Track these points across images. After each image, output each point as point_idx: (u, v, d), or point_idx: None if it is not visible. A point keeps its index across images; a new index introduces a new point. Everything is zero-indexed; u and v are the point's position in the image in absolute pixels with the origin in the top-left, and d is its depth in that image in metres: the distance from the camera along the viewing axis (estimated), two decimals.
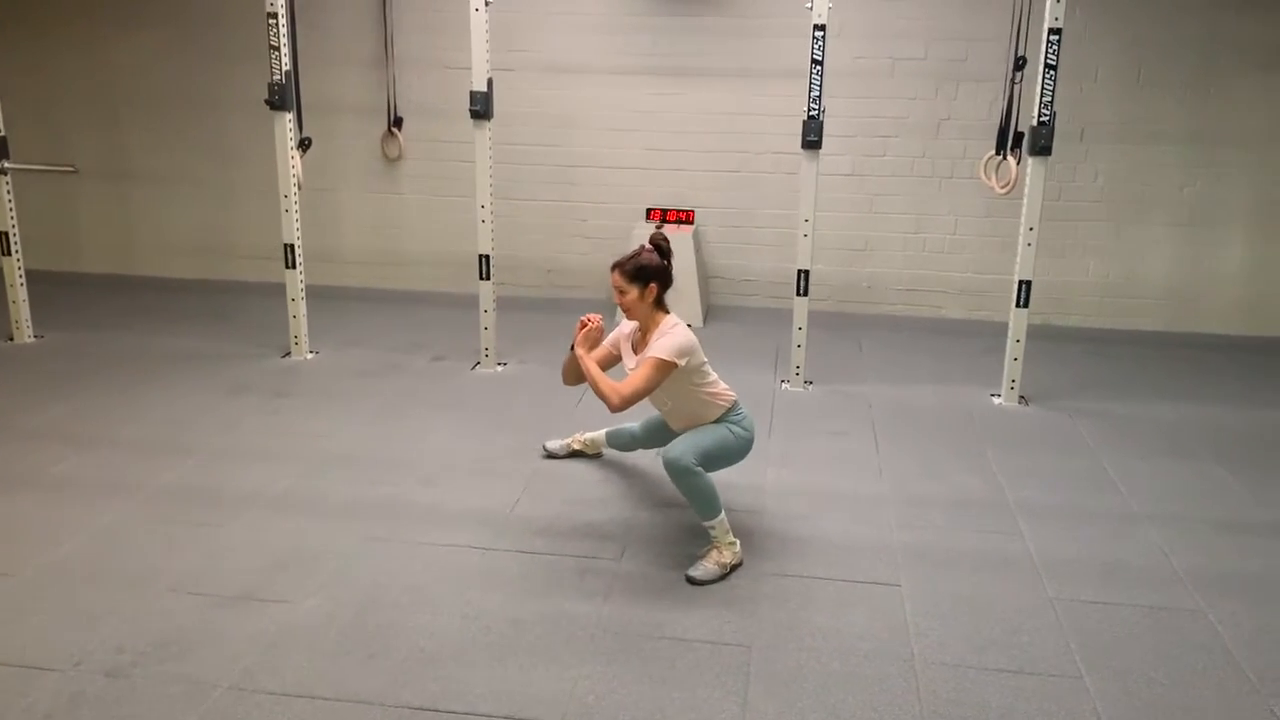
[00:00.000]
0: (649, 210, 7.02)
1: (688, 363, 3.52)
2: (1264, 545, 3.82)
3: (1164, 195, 6.73)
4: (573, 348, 3.66)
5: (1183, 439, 4.91)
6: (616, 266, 3.60)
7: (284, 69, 5.36)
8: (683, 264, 6.74)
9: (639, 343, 3.70)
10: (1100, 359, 6.27)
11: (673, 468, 3.48)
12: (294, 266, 5.67)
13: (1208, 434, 4.99)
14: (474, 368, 5.74)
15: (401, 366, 5.72)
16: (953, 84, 6.72)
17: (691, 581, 3.44)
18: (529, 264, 7.29)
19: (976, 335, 6.75)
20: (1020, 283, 5.27)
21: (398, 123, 7.14)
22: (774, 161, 6.92)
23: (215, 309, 6.90)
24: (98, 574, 3.39)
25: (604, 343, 3.80)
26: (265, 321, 6.50)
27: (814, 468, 4.43)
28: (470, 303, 7.13)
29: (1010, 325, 5.35)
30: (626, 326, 3.78)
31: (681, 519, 3.91)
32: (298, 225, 5.64)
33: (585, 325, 3.64)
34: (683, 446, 3.51)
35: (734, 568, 3.51)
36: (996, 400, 5.43)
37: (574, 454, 4.48)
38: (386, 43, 6.98)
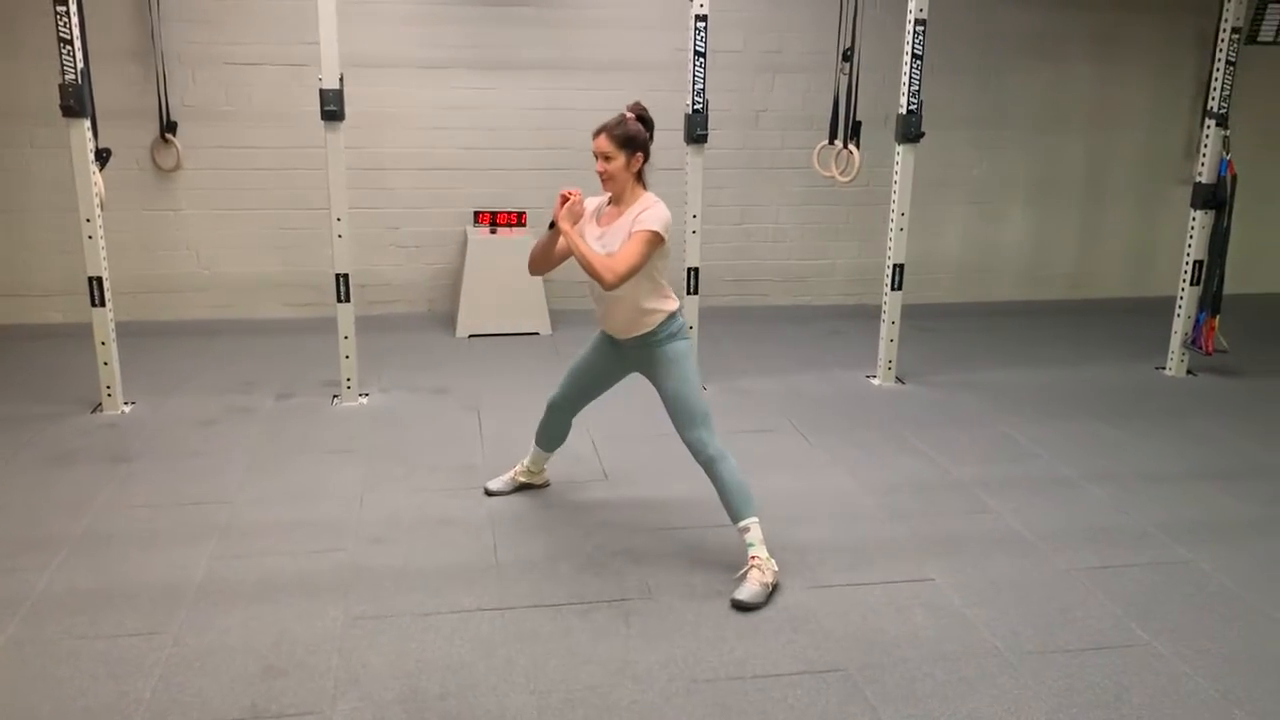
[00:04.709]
0: (477, 213, 6.55)
1: (666, 244, 3.32)
2: (1196, 492, 4.18)
3: (957, 176, 7.25)
4: (552, 224, 3.36)
5: (1053, 401, 5.30)
6: (604, 130, 3.30)
7: (79, 67, 4.44)
8: (525, 269, 6.36)
9: (607, 216, 3.42)
10: (929, 334, 6.64)
11: (706, 464, 3.39)
12: (103, 303, 4.72)
13: (1066, 394, 5.42)
14: (334, 402, 5.07)
15: (248, 410, 4.94)
16: (769, 75, 6.83)
17: (740, 607, 3.21)
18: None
19: (808, 320, 6.94)
20: (894, 266, 5.44)
21: (171, 128, 6.16)
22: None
23: None
24: None
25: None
26: (36, 371, 5.41)
27: (767, 469, 4.29)
28: (278, 328, 6.41)
29: (885, 307, 5.51)
30: (590, 204, 3.47)
31: (682, 540, 3.65)
32: (104, 254, 4.70)
33: (567, 199, 3.31)
34: (692, 432, 3.39)
35: (775, 587, 3.31)
36: (874, 381, 5.58)
37: (520, 488, 4.06)
38: (152, 36, 5.99)
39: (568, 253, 3.44)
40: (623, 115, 3.35)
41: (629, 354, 3.52)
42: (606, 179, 3.35)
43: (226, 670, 2.84)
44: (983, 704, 2.76)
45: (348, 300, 4.96)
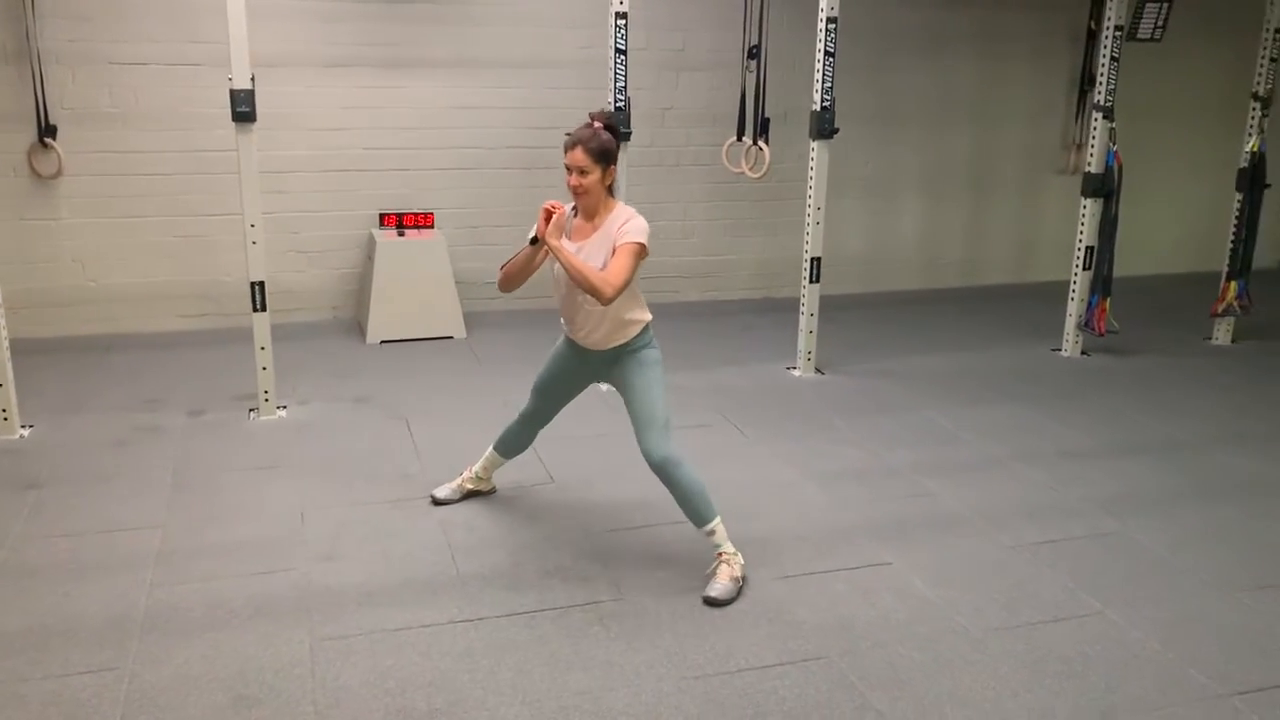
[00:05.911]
0: (382, 215, 6.37)
1: (648, 254, 3.29)
2: (1113, 466, 4.42)
3: (852, 172, 7.42)
4: (533, 240, 3.23)
5: (965, 385, 5.50)
6: (579, 143, 3.18)
7: None
8: (437, 271, 6.25)
9: (578, 230, 3.33)
10: (836, 325, 6.74)
11: (659, 467, 3.30)
12: None
13: (976, 377, 5.64)
14: (251, 416, 4.85)
15: (159, 428, 4.68)
16: (673, 73, 6.87)
17: (713, 603, 3.22)
18: (235, 289, 6.28)
19: (719, 315, 7.02)
20: (811, 259, 5.55)
21: (50, 132, 5.77)
22: (509, 157, 6.62)
23: None
24: None
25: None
26: None
27: (709, 464, 4.24)
28: (173, 341, 6.11)
29: (804, 300, 5.61)
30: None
31: (642, 539, 3.65)
32: None
33: (552, 213, 3.16)
34: (649, 435, 3.29)
35: (743, 580, 3.34)
36: (795, 373, 5.68)
37: (468, 495, 3.97)
38: (27, 33, 5.60)
39: (537, 267, 3.37)
40: (594, 127, 3.23)
41: (599, 363, 3.48)
42: (581, 193, 3.24)
43: (194, 703, 2.69)
44: (963, 681, 2.85)
45: (264, 309, 4.75)
